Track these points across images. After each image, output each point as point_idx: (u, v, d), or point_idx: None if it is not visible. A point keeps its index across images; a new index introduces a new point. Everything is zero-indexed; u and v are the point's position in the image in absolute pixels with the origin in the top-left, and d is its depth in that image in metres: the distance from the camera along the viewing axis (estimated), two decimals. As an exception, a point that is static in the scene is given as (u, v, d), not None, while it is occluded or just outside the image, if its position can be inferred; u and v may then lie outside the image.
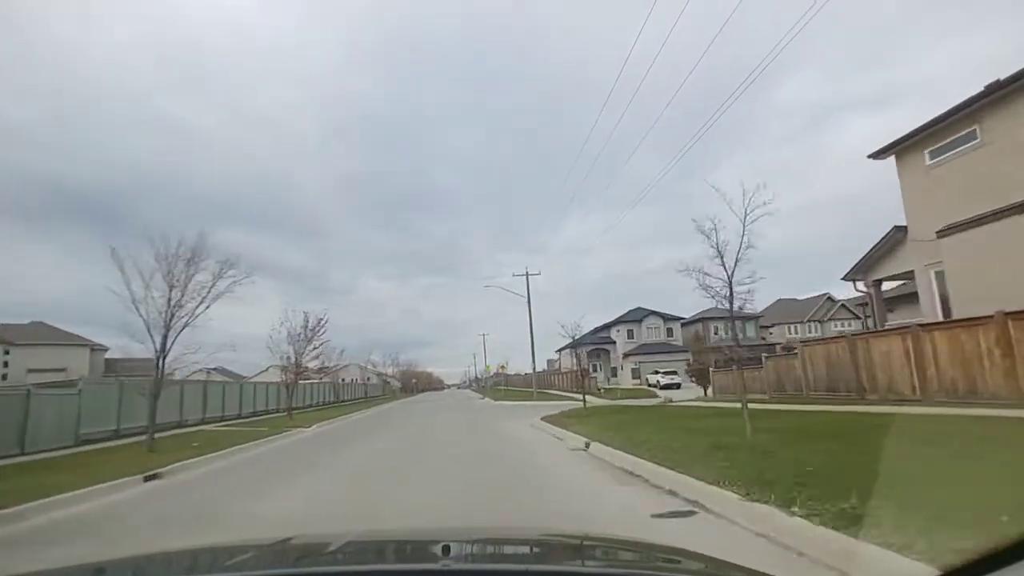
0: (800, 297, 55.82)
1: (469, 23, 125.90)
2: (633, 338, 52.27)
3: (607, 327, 57.57)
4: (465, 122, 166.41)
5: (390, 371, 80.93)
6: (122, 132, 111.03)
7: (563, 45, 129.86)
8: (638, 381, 46.08)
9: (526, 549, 1.75)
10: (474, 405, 33.99)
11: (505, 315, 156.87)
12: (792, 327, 50.66)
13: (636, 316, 54.09)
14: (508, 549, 1.74)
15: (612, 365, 55.22)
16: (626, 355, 51.33)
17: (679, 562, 1.51)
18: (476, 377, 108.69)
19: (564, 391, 42.45)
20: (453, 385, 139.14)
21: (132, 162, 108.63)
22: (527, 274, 38.72)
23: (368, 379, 67.67)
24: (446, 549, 1.47)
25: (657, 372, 40.81)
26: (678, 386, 35.78)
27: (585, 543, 1.76)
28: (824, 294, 52.02)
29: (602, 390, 36.56)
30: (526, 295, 38.33)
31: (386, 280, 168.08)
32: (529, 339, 75.92)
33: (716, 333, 44.88)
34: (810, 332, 48.35)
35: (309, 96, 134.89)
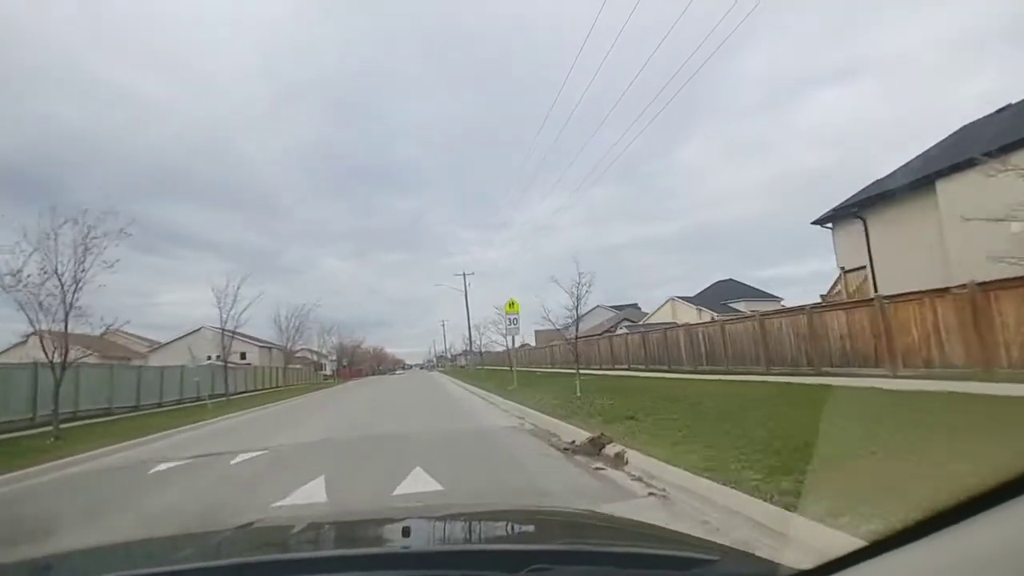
0: None
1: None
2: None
3: (928, 179, 12.76)
4: (428, 95, 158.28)
5: (327, 349, 59.72)
6: (53, 98, 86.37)
7: (534, 12, 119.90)
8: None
9: (488, 527, 1.70)
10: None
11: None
12: None
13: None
14: (469, 527, 1.68)
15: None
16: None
17: (646, 534, 1.53)
18: (443, 354, 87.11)
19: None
20: (415, 365, 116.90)
21: (64, 130, 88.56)
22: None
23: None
24: (406, 531, 1.46)
25: None
26: None
27: (546, 518, 1.77)
28: None
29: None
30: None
31: (345, 259, 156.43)
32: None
33: None
34: None
35: (260, 62, 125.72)
